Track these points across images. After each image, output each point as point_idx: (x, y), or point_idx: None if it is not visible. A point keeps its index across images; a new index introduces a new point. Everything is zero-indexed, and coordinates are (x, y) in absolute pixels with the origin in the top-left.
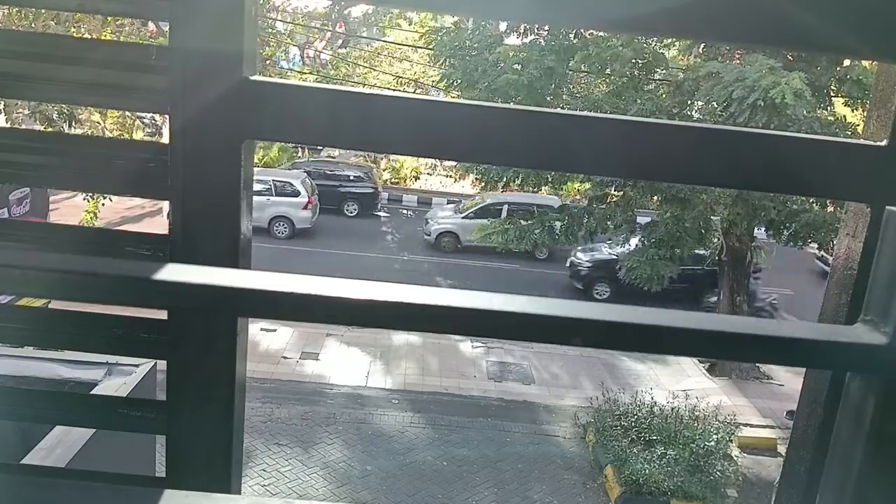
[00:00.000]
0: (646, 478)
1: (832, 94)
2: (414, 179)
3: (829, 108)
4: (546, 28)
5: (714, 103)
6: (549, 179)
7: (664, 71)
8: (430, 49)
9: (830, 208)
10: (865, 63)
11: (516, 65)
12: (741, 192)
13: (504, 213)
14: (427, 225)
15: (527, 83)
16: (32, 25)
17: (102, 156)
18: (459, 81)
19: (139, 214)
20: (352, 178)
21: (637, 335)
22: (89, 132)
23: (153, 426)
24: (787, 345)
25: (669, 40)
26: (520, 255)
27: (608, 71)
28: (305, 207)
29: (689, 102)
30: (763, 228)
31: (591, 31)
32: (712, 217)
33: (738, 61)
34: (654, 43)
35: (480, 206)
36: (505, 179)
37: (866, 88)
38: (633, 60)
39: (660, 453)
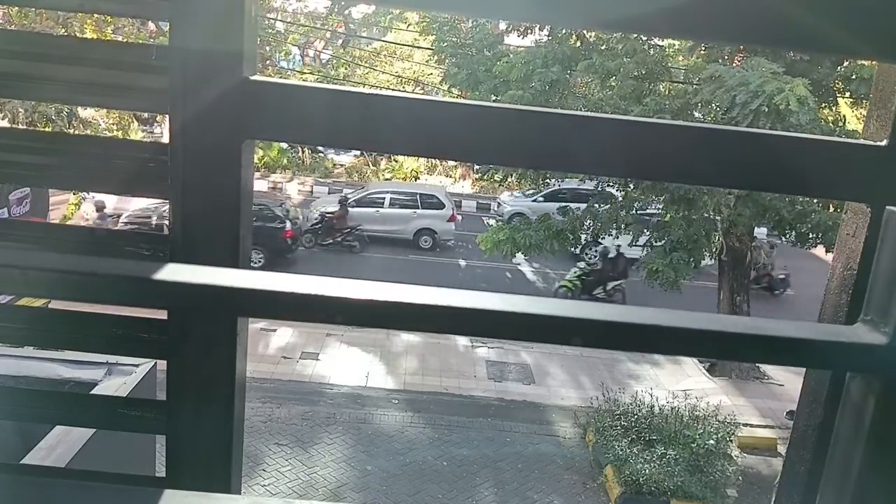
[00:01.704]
0: (646, 478)
1: (837, 93)
2: (414, 179)
3: (833, 107)
4: (546, 28)
5: (715, 105)
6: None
7: (667, 74)
8: (430, 48)
9: (832, 208)
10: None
11: (517, 88)
12: (749, 191)
13: (386, 203)
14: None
15: (531, 99)
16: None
17: (102, 156)
18: (464, 79)
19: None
20: None
21: (637, 335)
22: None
23: (153, 426)
24: (787, 345)
25: (670, 42)
26: None
27: (612, 73)
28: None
29: (689, 102)
30: (769, 228)
31: (591, 31)
32: (717, 217)
33: (737, 64)
34: (655, 48)
35: (362, 195)
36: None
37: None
38: (637, 73)
39: (660, 453)
